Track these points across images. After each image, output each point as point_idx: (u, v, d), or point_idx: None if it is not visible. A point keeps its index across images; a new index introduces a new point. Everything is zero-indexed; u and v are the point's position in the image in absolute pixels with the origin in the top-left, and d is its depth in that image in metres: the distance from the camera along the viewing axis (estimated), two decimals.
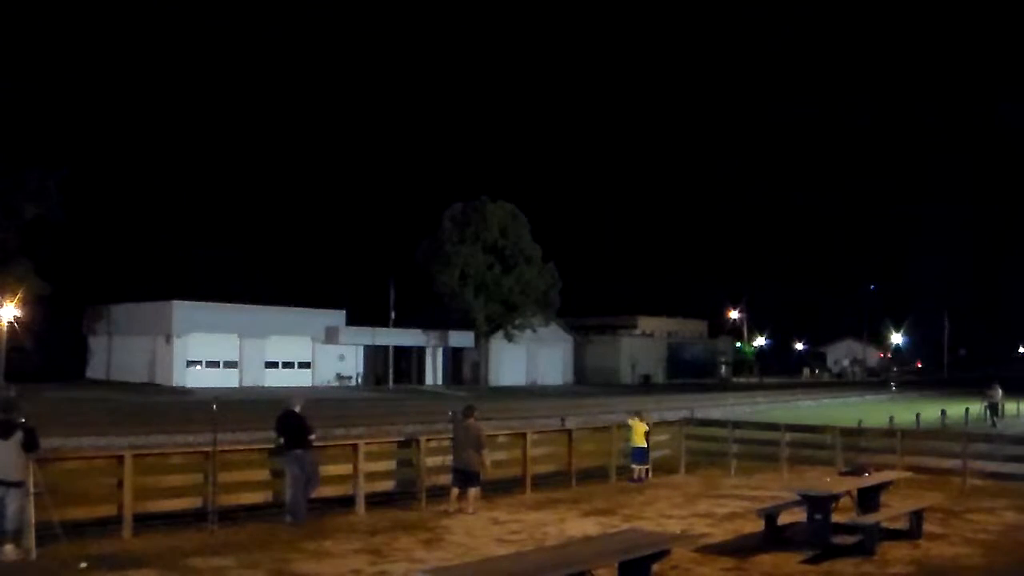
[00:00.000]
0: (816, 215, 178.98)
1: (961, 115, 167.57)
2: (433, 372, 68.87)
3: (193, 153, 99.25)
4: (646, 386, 76.14)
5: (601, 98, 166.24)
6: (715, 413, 36.73)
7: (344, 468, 14.39)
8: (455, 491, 14.23)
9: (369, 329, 62.90)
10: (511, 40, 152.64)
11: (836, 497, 12.01)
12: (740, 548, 11.65)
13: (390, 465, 15.42)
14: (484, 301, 66.13)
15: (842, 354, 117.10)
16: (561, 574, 7.87)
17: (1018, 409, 39.34)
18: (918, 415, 32.18)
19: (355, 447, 14.51)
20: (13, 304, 49.19)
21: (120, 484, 12.03)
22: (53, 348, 57.76)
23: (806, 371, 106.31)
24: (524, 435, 17.02)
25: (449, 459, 14.60)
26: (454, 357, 70.77)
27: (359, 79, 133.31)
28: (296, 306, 62.15)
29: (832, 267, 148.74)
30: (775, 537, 11.94)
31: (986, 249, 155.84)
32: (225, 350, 58.32)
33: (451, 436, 14.83)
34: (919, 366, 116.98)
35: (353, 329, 63.41)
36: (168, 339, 56.69)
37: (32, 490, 10.82)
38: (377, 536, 12.27)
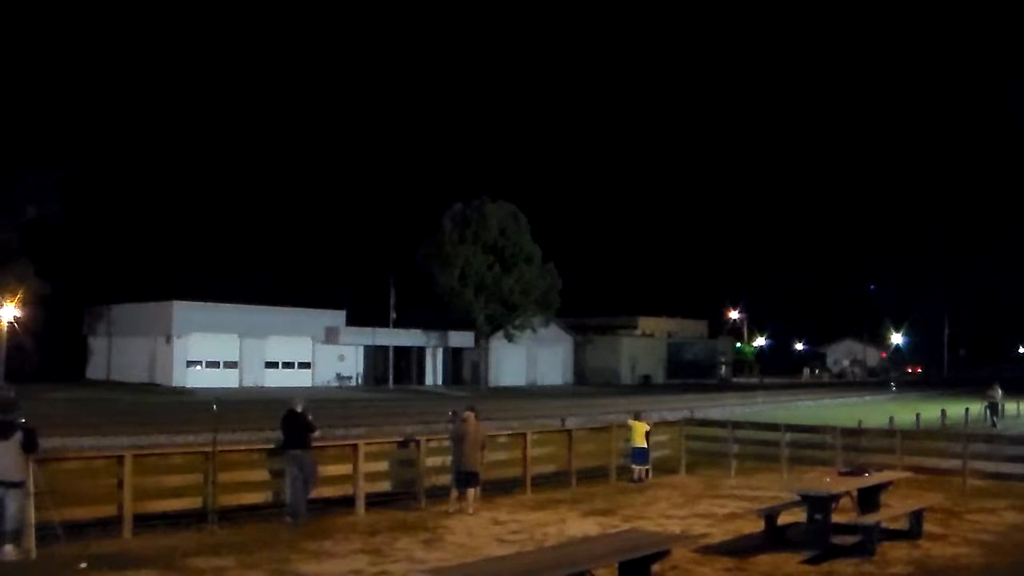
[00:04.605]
0: (816, 215, 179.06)
1: (961, 114, 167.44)
2: (433, 372, 68.85)
3: (193, 153, 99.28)
4: (646, 386, 76.11)
5: (601, 98, 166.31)
6: (715, 413, 36.70)
7: (344, 468, 14.38)
8: (455, 491, 14.23)
9: (369, 329, 62.88)
10: (510, 40, 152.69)
11: (836, 497, 12.01)
12: (740, 548, 11.64)
13: (390, 465, 15.42)
14: (484, 301, 66.11)
15: (842, 354, 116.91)
16: (561, 574, 7.86)
17: (1018, 409, 39.36)
18: (918, 415, 32.18)
19: (355, 447, 14.51)
20: (13, 304, 49.15)
21: (120, 484, 12.04)
22: (53, 348, 57.71)
23: (806, 371, 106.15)
24: (524, 435, 17.02)
25: (449, 459, 14.61)
26: (454, 357, 70.74)
27: (360, 79, 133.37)
28: (296, 306, 62.12)
29: (832, 267, 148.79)
30: (775, 537, 11.93)
31: (986, 249, 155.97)
32: (225, 350, 58.32)
33: (451, 436, 14.84)
34: (919, 370, 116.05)
35: (353, 329, 63.40)
36: (168, 339, 56.68)
37: (32, 490, 10.82)
38: (377, 536, 12.27)
